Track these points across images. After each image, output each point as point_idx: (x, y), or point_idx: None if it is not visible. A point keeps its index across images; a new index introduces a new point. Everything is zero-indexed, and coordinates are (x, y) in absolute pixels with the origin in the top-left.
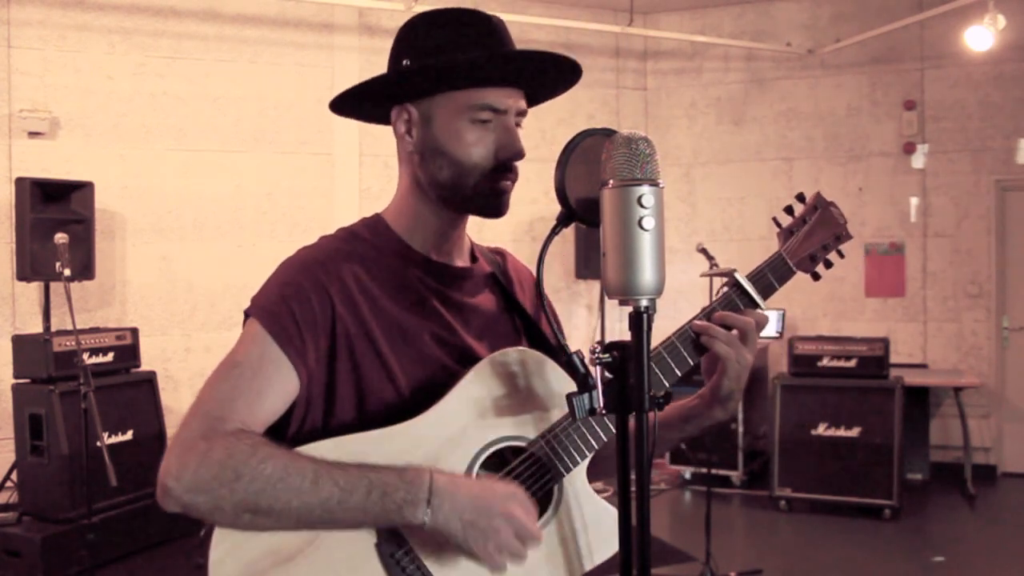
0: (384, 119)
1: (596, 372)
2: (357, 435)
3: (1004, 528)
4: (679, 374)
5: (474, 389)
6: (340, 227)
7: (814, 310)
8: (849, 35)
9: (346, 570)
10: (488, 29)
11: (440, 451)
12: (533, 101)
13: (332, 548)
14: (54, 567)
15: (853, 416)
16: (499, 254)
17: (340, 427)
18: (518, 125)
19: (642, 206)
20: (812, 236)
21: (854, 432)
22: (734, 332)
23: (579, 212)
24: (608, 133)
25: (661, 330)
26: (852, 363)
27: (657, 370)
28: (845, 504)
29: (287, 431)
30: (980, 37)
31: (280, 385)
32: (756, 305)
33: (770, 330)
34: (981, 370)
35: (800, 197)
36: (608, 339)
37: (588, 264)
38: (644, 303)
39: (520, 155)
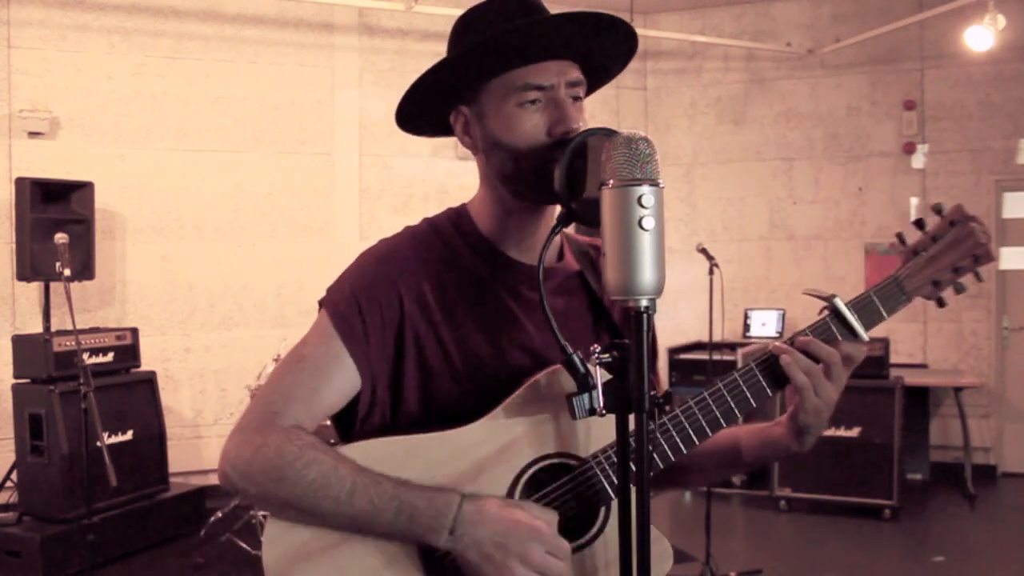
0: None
1: (596, 372)
2: (411, 437)
3: (1004, 528)
4: (754, 405)
5: (533, 400)
6: (425, 216)
7: (814, 310)
8: (849, 35)
9: (386, 560)
10: (520, 6)
11: (487, 461)
12: (596, 74)
13: (378, 539)
14: (54, 567)
15: (853, 416)
16: (594, 247)
17: (407, 420)
18: (577, 98)
19: (642, 206)
20: (942, 257)
21: (854, 432)
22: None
23: (579, 212)
24: (608, 133)
25: (661, 330)
26: None
27: (729, 398)
28: (845, 504)
29: (354, 420)
30: (980, 37)
31: (340, 383)
32: (855, 335)
33: (770, 330)
34: (981, 370)
35: (937, 209)
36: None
37: None
38: (644, 303)
39: (573, 128)
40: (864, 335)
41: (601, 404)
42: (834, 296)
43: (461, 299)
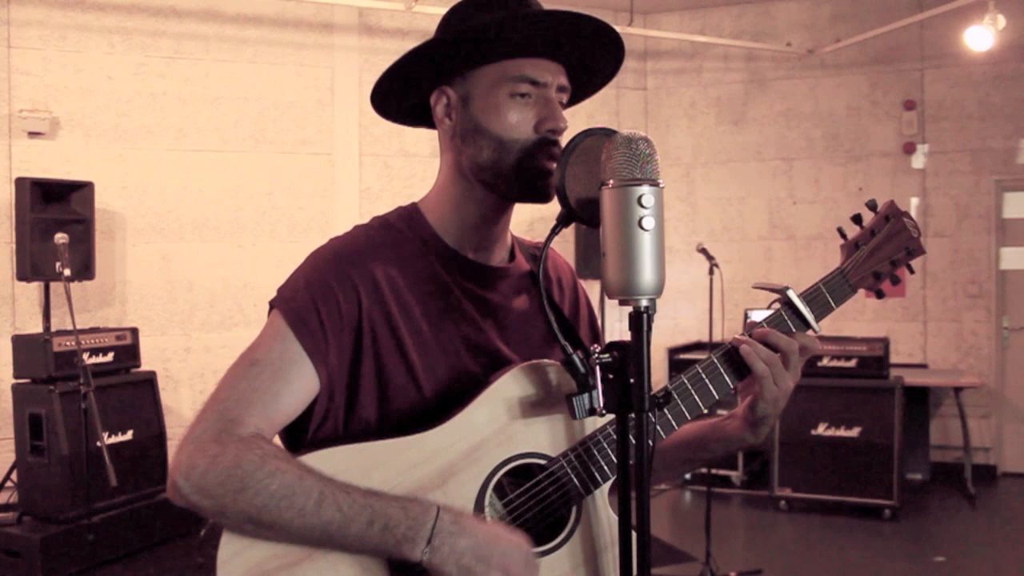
0: (428, 119)
1: (597, 372)
2: (375, 443)
3: (1004, 528)
4: (717, 397)
5: (498, 400)
6: (375, 215)
7: None
8: (849, 35)
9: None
10: (520, 3)
11: (456, 465)
12: (581, 89)
13: (341, 555)
14: (54, 567)
15: (853, 416)
16: (539, 250)
17: (361, 427)
18: (562, 103)
19: (642, 206)
20: (880, 250)
21: (854, 432)
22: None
23: (579, 212)
24: (608, 133)
25: (661, 330)
26: (852, 363)
27: (693, 391)
28: (845, 504)
29: (308, 426)
30: (980, 37)
31: (299, 386)
32: (808, 326)
33: None
34: (981, 370)
35: (871, 205)
36: (608, 339)
37: (588, 264)
38: (644, 303)
39: (561, 128)
40: (816, 326)
41: (601, 404)
42: (787, 288)
43: (417, 299)
